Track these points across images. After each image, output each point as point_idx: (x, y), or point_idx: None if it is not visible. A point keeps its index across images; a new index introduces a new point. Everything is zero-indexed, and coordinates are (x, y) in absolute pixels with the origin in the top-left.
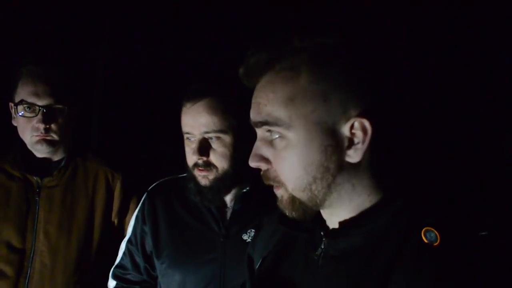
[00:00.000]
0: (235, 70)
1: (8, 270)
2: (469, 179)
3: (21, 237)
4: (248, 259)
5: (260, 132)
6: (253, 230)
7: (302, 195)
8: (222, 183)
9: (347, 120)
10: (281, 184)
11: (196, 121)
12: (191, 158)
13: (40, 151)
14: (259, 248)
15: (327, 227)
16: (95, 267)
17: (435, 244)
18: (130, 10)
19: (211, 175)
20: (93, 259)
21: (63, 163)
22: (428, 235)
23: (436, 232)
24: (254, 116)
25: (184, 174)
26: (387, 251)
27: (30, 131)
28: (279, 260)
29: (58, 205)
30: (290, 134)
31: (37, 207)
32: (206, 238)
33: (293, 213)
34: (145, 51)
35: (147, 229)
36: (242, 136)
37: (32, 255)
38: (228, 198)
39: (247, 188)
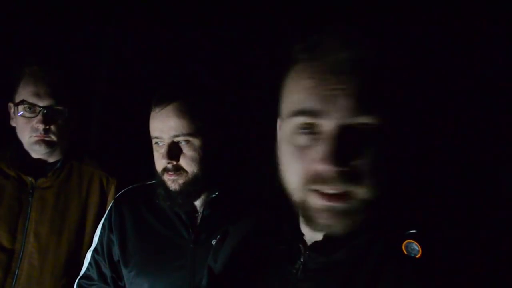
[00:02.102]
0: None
1: None
2: (450, 189)
3: (11, 237)
4: (208, 271)
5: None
6: None
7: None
8: (192, 187)
9: None
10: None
11: (165, 125)
12: (160, 162)
13: (38, 152)
14: (223, 259)
15: (305, 240)
16: None
17: (417, 256)
18: (132, 12)
19: (181, 179)
20: (83, 262)
21: (58, 164)
22: (410, 248)
23: (418, 244)
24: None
25: (153, 181)
26: (369, 265)
27: (29, 131)
28: (251, 274)
29: (50, 207)
30: None
31: (29, 208)
32: (175, 245)
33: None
34: (146, 54)
35: (114, 237)
36: (212, 139)
37: (21, 256)
38: (198, 203)
39: (216, 193)
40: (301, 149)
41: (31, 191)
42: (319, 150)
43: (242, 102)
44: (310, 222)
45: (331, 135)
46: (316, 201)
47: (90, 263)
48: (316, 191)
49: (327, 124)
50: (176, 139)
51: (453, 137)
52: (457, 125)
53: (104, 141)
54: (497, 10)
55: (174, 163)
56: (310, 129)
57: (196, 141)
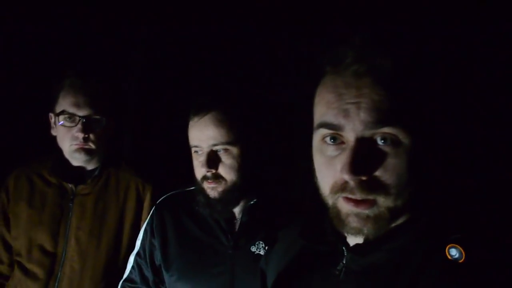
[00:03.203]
0: (244, 82)
1: (40, 272)
2: (494, 193)
3: (53, 241)
4: (261, 273)
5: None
6: (261, 242)
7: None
8: (231, 195)
9: None
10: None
11: (204, 134)
12: (200, 171)
13: (78, 160)
14: (274, 262)
15: (348, 242)
16: (122, 275)
17: (461, 261)
18: (164, 21)
19: (220, 187)
20: (121, 266)
21: (97, 172)
22: (453, 252)
23: (461, 249)
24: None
25: (192, 187)
26: (411, 268)
27: (69, 140)
28: (297, 274)
29: (90, 212)
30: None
31: (70, 213)
32: (214, 251)
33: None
34: (179, 62)
35: (156, 242)
36: (250, 147)
37: (63, 259)
38: (237, 210)
39: (255, 200)
40: (330, 159)
41: (71, 197)
42: (342, 160)
43: (280, 109)
44: (342, 226)
45: (350, 146)
46: (344, 206)
47: (133, 266)
48: (344, 197)
49: (347, 136)
50: (214, 148)
51: (496, 141)
52: (496, 128)
53: (139, 148)
54: None
55: (213, 171)
56: (335, 140)
57: (234, 150)
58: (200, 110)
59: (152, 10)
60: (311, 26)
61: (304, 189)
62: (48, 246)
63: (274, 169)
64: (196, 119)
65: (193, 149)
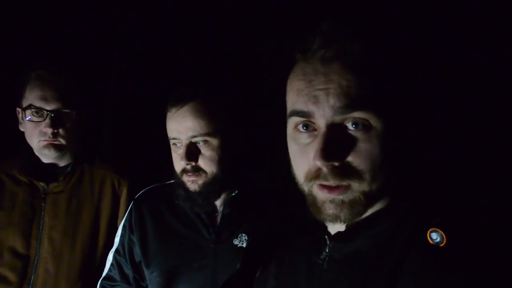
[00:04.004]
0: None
1: (12, 276)
2: (474, 177)
3: (25, 242)
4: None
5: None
6: (244, 235)
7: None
8: (212, 188)
9: None
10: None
11: (182, 126)
12: (179, 163)
13: (48, 156)
14: (252, 253)
15: (330, 231)
16: (99, 274)
17: (441, 245)
18: (143, 14)
19: (200, 180)
20: (97, 266)
21: (69, 168)
22: (434, 236)
23: (442, 233)
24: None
25: (171, 181)
26: (393, 254)
27: (37, 136)
28: (281, 265)
29: (63, 211)
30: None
31: (42, 213)
32: (196, 245)
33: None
34: (157, 55)
35: (135, 238)
36: (229, 138)
37: (36, 261)
38: (218, 203)
39: (236, 192)
40: (303, 146)
41: (43, 196)
42: (314, 147)
43: (258, 100)
44: (319, 213)
45: (322, 133)
46: (319, 194)
47: (112, 264)
48: (319, 184)
49: (318, 123)
50: (193, 140)
51: (471, 124)
52: (472, 110)
53: (115, 143)
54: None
55: (193, 164)
56: (308, 128)
57: (214, 141)
58: (178, 101)
59: (131, 4)
60: (290, 19)
61: (285, 179)
62: (20, 248)
63: (254, 160)
64: (174, 110)
65: (171, 142)
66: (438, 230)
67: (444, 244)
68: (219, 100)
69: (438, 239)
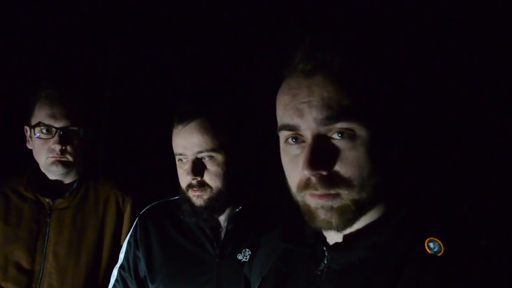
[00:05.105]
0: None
1: None
2: (472, 186)
3: (30, 258)
4: (244, 280)
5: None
6: (247, 250)
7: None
8: (217, 203)
9: None
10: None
11: (189, 142)
12: (185, 179)
13: (55, 173)
14: (257, 268)
15: (328, 242)
16: None
17: (439, 254)
18: (137, 28)
19: (206, 195)
20: (101, 281)
21: (74, 185)
22: (432, 246)
23: (440, 242)
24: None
25: (176, 197)
26: (391, 263)
27: (45, 153)
28: (280, 278)
29: (68, 227)
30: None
31: (47, 229)
32: (200, 260)
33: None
34: (156, 71)
35: (140, 254)
36: (235, 154)
37: (40, 276)
38: (222, 218)
39: (240, 207)
40: (294, 158)
41: (49, 212)
42: (302, 158)
43: (262, 115)
44: (313, 220)
45: (308, 143)
46: (311, 201)
47: (116, 280)
48: (309, 193)
49: (305, 134)
50: (199, 155)
51: (476, 136)
52: (461, 116)
53: (116, 160)
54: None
55: (199, 179)
56: (297, 140)
57: (219, 157)
58: (185, 118)
59: (128, 17)
60: (294, 35)
61: (283, 192)
62: (25, 263)
63: (259, 176)
64: (180, 127)
65: (177, 157)
66: (436, 239)
67: (442, 254)
68: (225, 116)
69: (436, 249)
